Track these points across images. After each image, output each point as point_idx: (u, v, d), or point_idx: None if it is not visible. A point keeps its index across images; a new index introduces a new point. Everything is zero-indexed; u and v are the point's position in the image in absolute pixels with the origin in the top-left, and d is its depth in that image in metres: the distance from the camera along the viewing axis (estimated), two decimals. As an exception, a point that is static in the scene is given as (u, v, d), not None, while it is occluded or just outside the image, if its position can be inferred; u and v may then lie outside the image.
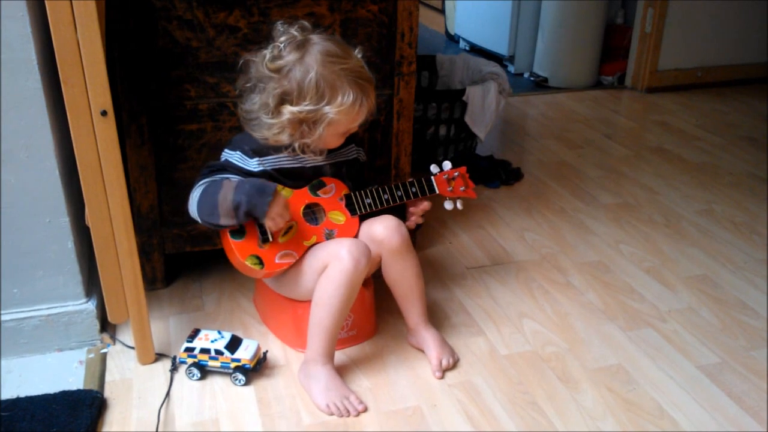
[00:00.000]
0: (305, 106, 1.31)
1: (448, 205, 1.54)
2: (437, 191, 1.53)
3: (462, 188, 1.56)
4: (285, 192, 1.41)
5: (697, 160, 2.64)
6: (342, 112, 1.32)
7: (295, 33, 1.33)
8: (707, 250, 1.98)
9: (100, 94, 1.21)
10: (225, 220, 1.32)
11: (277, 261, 1.38)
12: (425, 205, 1.51)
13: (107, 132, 1.24)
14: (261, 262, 1.37)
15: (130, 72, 1.47)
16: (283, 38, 1.33)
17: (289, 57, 1.31)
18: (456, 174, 1.55)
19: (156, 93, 1.51)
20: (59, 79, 1.19)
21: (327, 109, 1.31)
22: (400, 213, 1.51)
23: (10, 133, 1.30)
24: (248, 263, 1.36)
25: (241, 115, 1.39)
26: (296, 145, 1.37)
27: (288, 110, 1.31)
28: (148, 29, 1.46)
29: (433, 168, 1.54)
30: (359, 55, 1.37)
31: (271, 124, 1.33)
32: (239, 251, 1.36)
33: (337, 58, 1.32)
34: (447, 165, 1.55)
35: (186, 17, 1.47)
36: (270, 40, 1.35)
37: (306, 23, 1.36)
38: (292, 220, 1.40)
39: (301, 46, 1.32)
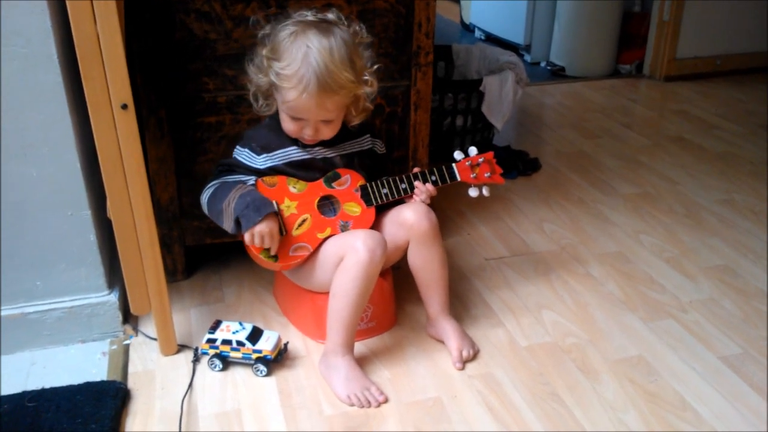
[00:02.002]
0: (268, 50, 1.32)
1: (473, 192, 1.51)
2: (459, 179, 1.50)
3: (487, 174, 1.51)
4: (299, 185, 1.41)
5: (717, 149, 2.61)
6: (281, 78, 1.30)
7: (319, 16, 1.34)
8: (728, 240, 1.97)
9: (121, 88, 1.22)
10: (227, 226, 1.36)
11: (291, 254, 1.39)
12: (432, 190, 1.47)
13: (128, 125, 1.25)
14: (275, 255, 1.37)
15: (148, 65, 1.47)
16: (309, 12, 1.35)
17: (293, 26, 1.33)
18: (481, 160, 1.51)
19: (175, 86, 1.51)
20: (79, 73, 1.20)
21: (275, 65, 1.31)
22: None
23: (31, 127, 1.31)
24: (262, 256, 1.37)
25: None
26: (260, 103, 1.39)
27: (263, 51, 1.34)
28: (166, 22, 1.46)
29: (457, 154, 1.51)
30: (366, 77, 1.35)
31: (252, 70, 1.37)
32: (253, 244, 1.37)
33: (323, 47, 1.29)
34: (473, 151, 1.51)
35: (204, 9, 1.47)
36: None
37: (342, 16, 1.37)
38: (305, 212, 1.40)
39: (320, 24, 1.32)
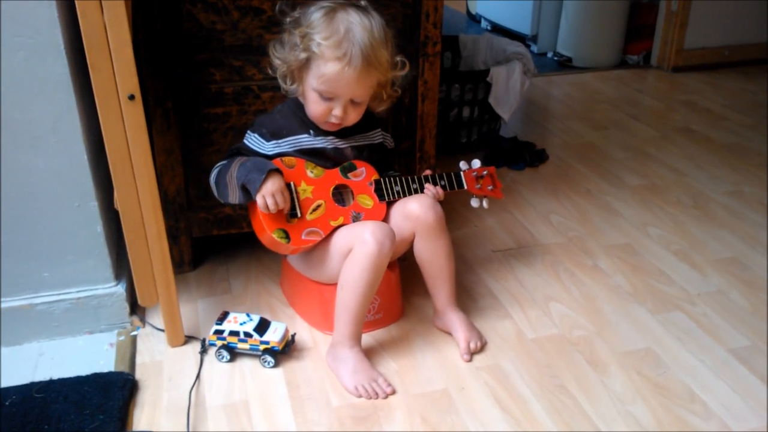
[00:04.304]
0: (304, 27, 1.32)
1: (474, 203, 1.56)
2: (466, 187, 1.54)
3: (490, 187, 1.57)
4: (316, 171, 1.41)
5: (725, 140, 2.59)
6: (324, 49, 1.30)
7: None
8: (736, 232, 1.96)
9: (128, 79, 1.21)
10: (233, 198, 1.36)
11: (303, 237, 1.38)
12: (440, 194, 1.49)
13: (135, 116, 1.24)
14: (287, 237, 1.37)
15: (155, 56, 1.47)
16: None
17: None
18: (485, 173, 1.57)
19: (181, 77, 1.51)
20: (86, 63, 1.19)
21: (316, 37, 1.30)
22: None
23: (38, 119, 1.30)
24: (275, 236, 1.35)
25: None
26: (288, 83, 1.39)
27: (296, 30, 1.34)
28: (173, 13, 1.45)
29: (462, 164, 1.56)
30: (398, 60, 1.39)
31: (281, 45, 1.37)
32: (267, 223, 1.35)
33: (365, 24, 1.31)
34: (476, 163, 1.57)
35: (210, 0, 1.46)
36: None
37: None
38: (320, 198, 1.40)
39: (356, 6, 1.34)
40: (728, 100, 3.02)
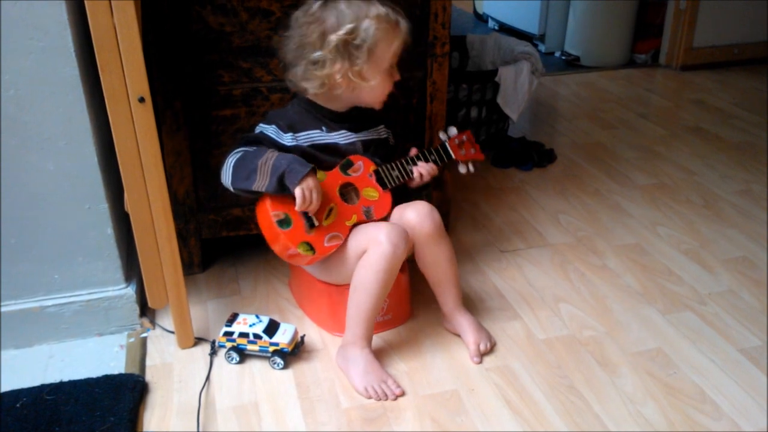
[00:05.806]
0: (346, 27, 1.31)
1: (462, 169, 1.56)
2: (453, 156, 1.55)
3: (472, 150, 1.58)
4: (319, 175, 1.41)
5: (735, 139, 2.58)
6: (382, 27, 1.31)
7: None
8: (747, 231, 1.94)
9: (138, 81, 1.21)
10: (258, 185, 1.32)
11: (326, 244, 1.38)
12: (434, 169, 1.49)
13: (145, 118, 1.24)
14: (312, 248, 1.36)
15: (164, 58, 1.47)
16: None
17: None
18: (464, 138, 1.58)
19: (190, 79, 1.51)
20: (96, 65, 1.20)
21: (366, 23, 1.30)
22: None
23: (48, 121, 1.31)
24: (300, 250, 1.35)
25: (288, 77, 1.39)
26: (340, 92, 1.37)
27: (332, 38, 1.31)
28: (182, 14, 1.46)
29: (442, 135, 1.56)
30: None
31: (318, 59, 1.33)
32: (290, 240, 1.34)
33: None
34: (452, 130, 1.57)
35: (219, 2, 1.46)
36: None
37: None
38: (330, 201, 1.40)
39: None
40: (737, 99, 3.00)
